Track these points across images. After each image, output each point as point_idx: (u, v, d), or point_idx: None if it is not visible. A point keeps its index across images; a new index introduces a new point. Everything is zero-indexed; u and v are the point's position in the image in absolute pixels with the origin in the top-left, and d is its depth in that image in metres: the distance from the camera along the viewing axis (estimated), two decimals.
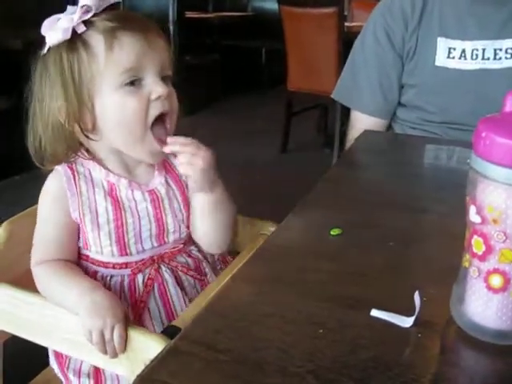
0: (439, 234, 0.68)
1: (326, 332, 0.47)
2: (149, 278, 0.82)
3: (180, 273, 0.85)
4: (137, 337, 0.69)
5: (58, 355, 0.84)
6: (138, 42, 0.74)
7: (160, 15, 3.86)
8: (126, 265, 0.82)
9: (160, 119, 0.77)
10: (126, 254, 0.81)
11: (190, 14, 4.44)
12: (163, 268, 0.83)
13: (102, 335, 0.69)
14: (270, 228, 0.94)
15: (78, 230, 0.81)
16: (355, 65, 1.33)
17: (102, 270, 0.82)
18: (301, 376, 0.42)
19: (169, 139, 0.76)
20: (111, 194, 0.80)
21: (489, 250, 0.45)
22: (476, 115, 1.24)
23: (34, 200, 0.82)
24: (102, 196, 0.80)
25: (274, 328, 0.48)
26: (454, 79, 1.19)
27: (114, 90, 0.74)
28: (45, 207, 0.81)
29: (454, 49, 1.19)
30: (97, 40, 0.74)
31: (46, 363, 0.89)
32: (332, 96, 1.39)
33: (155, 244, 0.83)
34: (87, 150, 0.81)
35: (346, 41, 2.73)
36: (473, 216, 0.45)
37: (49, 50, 0.75)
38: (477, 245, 0.46)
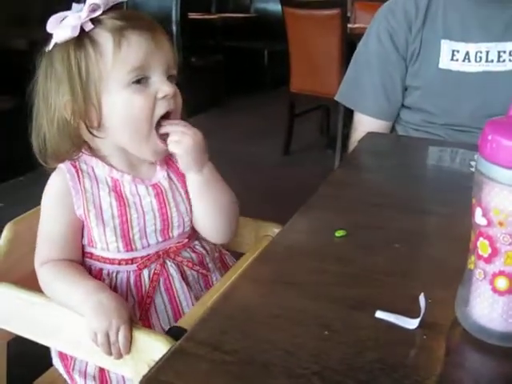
0: (444, 236, 0.68)
1: (332, 333, 0.48)
2: (154, 273, 0.82)
3: (185, 267, 0.85)
4: (142, 338, 0.69)
5: (63, 356, 0.85)
6: (146, 41, 0.75)
7: (163, 16, 3.86)
8: (132, 260, 0.82)
9: (164, 118, 0.78)
10: (132, 250, 0.81)
11: (193, 15, 4.44)
12: (168, 263, 0.84)
13: (108, 336, 0.69)
14: (274, 229, 0.94)
15: (82, 227, 0.81)
16: (358, 67, 1.33)
17: (107, 267, 0.82)
18: (306, 377, 0.42)
19: (162, 122, 0.78)
20: (115, 189, 0.81)
21: (494, 252, 0.45)
22: (479, 117, 1.25)
23: (38, 200, 0.82)
24: (106, 192, 0.80)
25: (280, 329, 0.48)
26: (457, 82, 1.19)
27: (121, 87, 0.75)
28: (49, 205, 0.81)
29: (458, 51, 1.19)
30: (105, 38, 0.74)
31: (50, 364, 0.89)
32: (335, 98, 1.39)
33: (160, 239, 0.83)
34: (89, 148, 0.82)
35: (349, 42, 2.74)
36: (479, 218, 0.46)
37: (54, 46, 0.76)
38: (482, 247, 0.46)
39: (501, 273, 0.45)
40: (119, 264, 0.82)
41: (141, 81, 0.75)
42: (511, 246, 0.44)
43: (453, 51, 1.19)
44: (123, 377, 0.79)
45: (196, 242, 0.89)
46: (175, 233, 0.84)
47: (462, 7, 1.20)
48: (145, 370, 0.44)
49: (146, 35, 0.75)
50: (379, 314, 0.50)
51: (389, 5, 1.28)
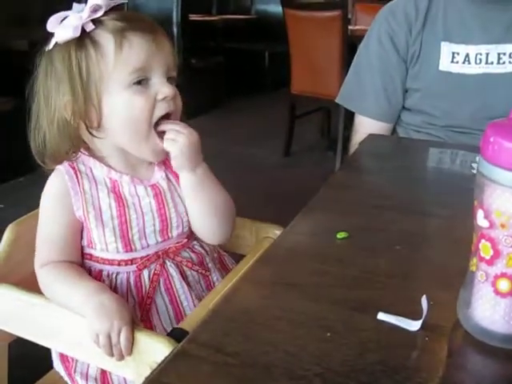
0: (445, 238, 0.68)
1: (334, 335, 0.48)
2: (154, 274, 0.82)
3: (185, 268, 0.85)
4: (143, 339, 0.69)
5: (64, 358, 0.85)
6: (147, 43, 0.75)
7: (164, 17, 3.87)
8: (132, 261, 0.82)
9: (164, 118, 0.78)
10: (131, 250, 0.82)
11: (193, 17, 4.44)
12: (168, 263, 0.84)
13: (109, 338, 0.69)
14: (275, 231, 0.95)
15: (82, 229, 0.81)
16: (359, 69, 1.33)
17: (107, 268, 0.82)
18: (308, 379, 0.42)
19: (160, 122, 0.78)
20: (114, 190, 0.81)
21: (496, 254, 0.45)
22: (480, 119, 1.25)
23: (38, 201, 0.82)
24: (105, 193, 0.80)
25: (281, 331, 0.48)
26: (457, 84, 1.19)
27: (122, 88, 0.75)
28: (48, 207, 0.81)
29: (458, 53, 1.19)
30: (106, 39, 0.74)
31: (51, 366, 0.89)
32: (336, 100, 1.39)
33: (159, 239, 0.83)
34: (87, 148, 0.82)
35: (350, 44, 2.74)
36: (480, 220, 0.46)
37: (55, 45, 0.76)
38: (484, 249, 0.46)
39: (503, 275, 0.45)
40: (119, 265, 0.82)
41: (141, 82, 0.75)
42: None
43: (453, 53, 1.19)
44: (125, 379, 0.79)
45: (195, 243, 0.89)
46: (174, 233, 0.84)
47: (462, 9, 1.20)
48: (147, 372, 0.44)
49: (148, 37, 0.75)
50: (381, 316, 0.50)
51: (389, 7, 1.29)
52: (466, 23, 1.19)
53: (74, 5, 0.76)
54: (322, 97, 3.00)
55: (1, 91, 2.61)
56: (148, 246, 0.83)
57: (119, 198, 0.81)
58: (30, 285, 0.80)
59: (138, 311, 0.80)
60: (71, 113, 0.76)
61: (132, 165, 0.83)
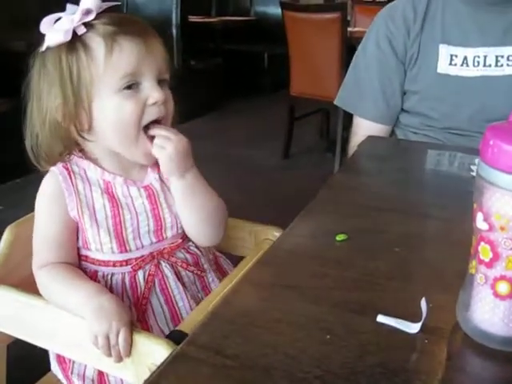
0: (444, 240, 0.68)
1: (333, 337, 0.48)
2: (149, 274, 0.82)
3: (180, 268, 0.85)
4: (142, 341, 0.69)
5: (61, 360, 0.85)
6: (138, 47, 0.75)
7: (163, 19, 3.87)
8: (126, 262, 0.82)
9: (155, 123, 0.78)
10: (126, 251, 0.82)
11: (193, 19, 4.45)
12: (163, 264, 0.84)
13: (108, 339, 0.69)
14: (274, 233, 0.95)
15: (77, 229, 0.81)
16: (358, 71, 1.33)
17: (102, 269, 0.82)
18: (308, 381, 0.42)
19: (151, 126, 0.78)
20: (107, 191, 0.81)
21: (496, 256, 0.45)
22: (478, 122, 1.25)
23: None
24: (98, 194, 0.81)
25: (281, 333, 0.48)
26: (455, 86, 1.19)
27: (112, 93, 0.75)
28: (43, 208, 0.81)
29: (456, 56, 1.19)
30: (97, 43, 0.74)
31: (50, 367, 0.88)
32: (335, 102, 1.39)
33: (154, 240, 0.83)
34: (81, 150, 0.82)
35: (349, 46, 2.74)
36: (480, 223, 0.46)
37: (47, 48, 0.75)
38: (484, 252, 0.46)
39: (502, 277, 0.45)
40: (113, 266, 0.82)
41: (132, 86, 0.75)
42: None
43: (451, 56, 1.19)
44: (122, 380, 0.79)
45: (190, 243, 0.89)
46: (169, 234, 0.85)
47: (460, 12, 1.20)
48: (145, 374, 0.44)
49: (138, 40, 0.75)
50: (380, 319, 0.50)
51: (388, 9, 1.29)
52: (464, 26, 1.19)
53: (68, 6, 0.76)
54: (321, 98, 3.00)
55: None
56: (143, 246, 0.83)
57: (113, 199, 0.81)
58: (29, 286, 0.80)
59: (134, 312, 0.80)
60: (62, 115, 0.76)
61: (125, 167, 0.83)
